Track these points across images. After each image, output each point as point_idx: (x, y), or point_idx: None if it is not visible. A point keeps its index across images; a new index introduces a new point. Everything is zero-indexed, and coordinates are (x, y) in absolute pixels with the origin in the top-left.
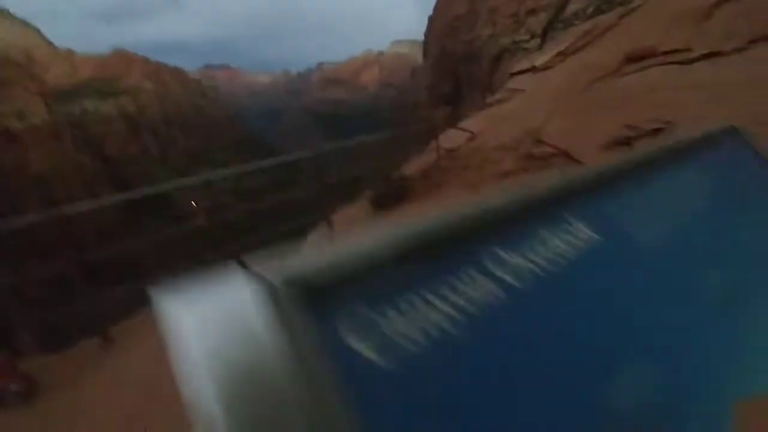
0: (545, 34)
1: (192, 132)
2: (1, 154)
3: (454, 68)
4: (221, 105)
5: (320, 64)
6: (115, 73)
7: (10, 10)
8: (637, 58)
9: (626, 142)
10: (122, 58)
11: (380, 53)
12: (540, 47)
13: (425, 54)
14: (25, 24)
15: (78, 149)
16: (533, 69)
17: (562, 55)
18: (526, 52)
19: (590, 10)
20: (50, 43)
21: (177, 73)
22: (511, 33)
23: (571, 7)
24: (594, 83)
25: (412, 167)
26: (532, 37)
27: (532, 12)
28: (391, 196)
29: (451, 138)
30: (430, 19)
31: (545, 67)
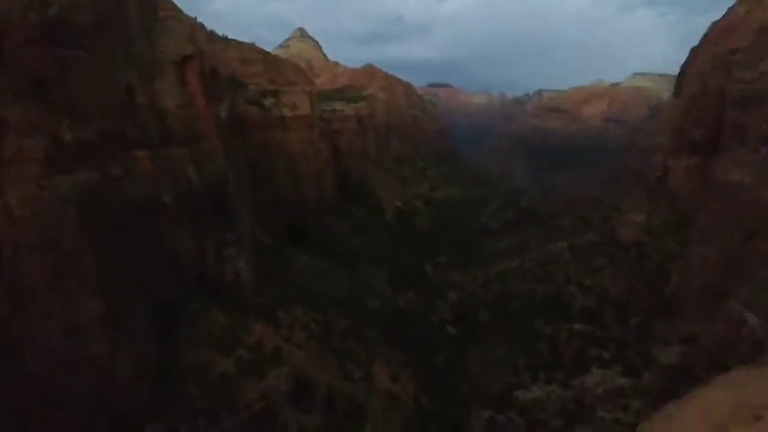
0: None
1: (405, 138)
2: (275, 132)
3: (717, 111)
4: (435, 119)
5: (539, 91)
6: (362, 84)
7: (306, 30)
8: None
9: None
10: (369, 72)
11: (613, 85)
12: None
13: (677, 90)
14: (312, 40)
15: (321, 138)
16: None
17: None
18: None
19: None
20: (325, 56)
21: (406, 87)
22: None
23: None
24: None
25: None
26: None
27: None
28: None
29: None
30: (694, 51)
31: None
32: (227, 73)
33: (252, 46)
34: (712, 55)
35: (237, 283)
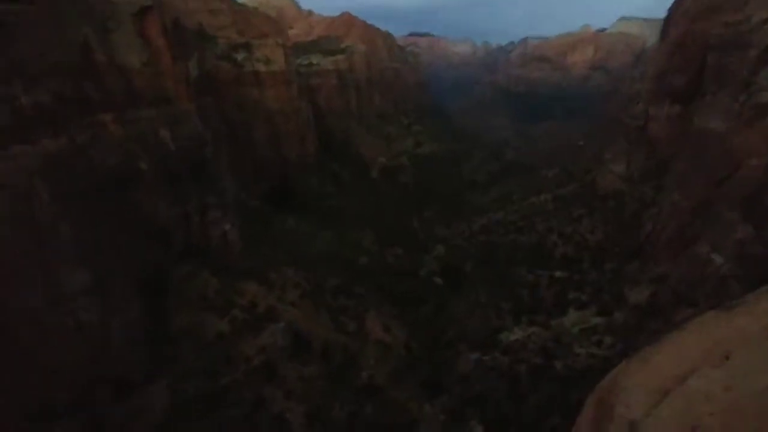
0: None
1: (387, 93)
2: (249, 89)
3: (700, 56)
4: (417, 72)
5: (525, 39)
6: (339, 34)
7: None
8: None
9: None
10: (346, 21)
11: (600, 31)
12: None
13: (663, 34)
14: None
15: (300, 95)
16: None
17: None
18: None
19: None
20: (297, 5)
21: (387, 38)
22: None
23: None
24: None
25: None
26: None
27: None
28: None
29: None
30: None
31: None
32: (192, 25)
33: None
34: None
35: (224, 247)
